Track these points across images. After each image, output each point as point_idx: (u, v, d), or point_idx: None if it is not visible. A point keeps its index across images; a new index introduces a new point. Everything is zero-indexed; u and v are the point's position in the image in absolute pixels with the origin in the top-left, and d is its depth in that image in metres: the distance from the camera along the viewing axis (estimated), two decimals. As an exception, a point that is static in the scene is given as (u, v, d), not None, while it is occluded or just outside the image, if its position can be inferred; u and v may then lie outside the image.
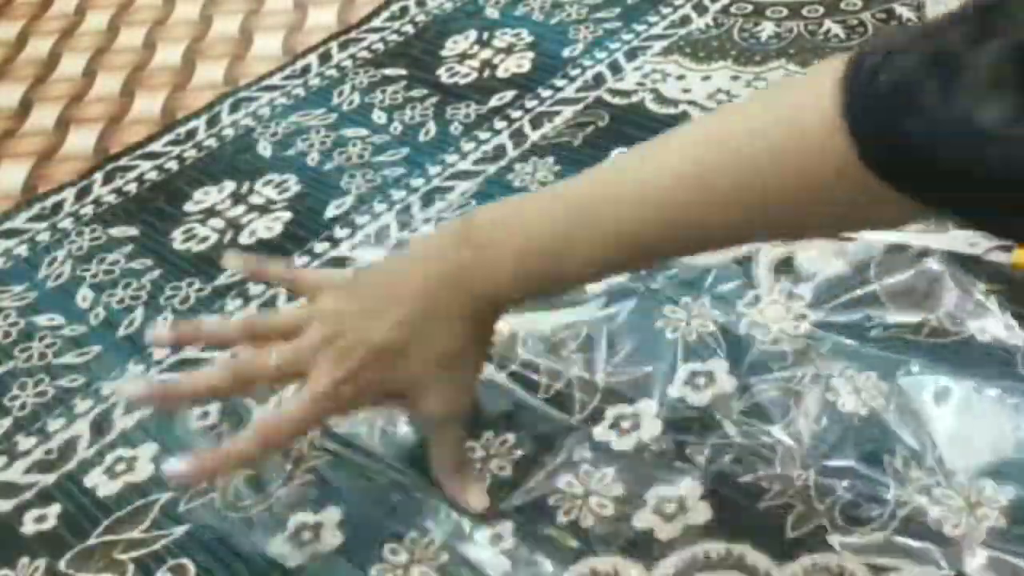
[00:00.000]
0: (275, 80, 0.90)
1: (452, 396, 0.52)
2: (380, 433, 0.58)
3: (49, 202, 0.81)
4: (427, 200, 0.74)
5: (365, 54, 0.91)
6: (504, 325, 0.62)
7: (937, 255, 0.61)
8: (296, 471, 0.57)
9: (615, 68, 0.83)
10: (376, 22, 0.96)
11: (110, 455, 0.60)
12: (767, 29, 0.85)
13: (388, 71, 0.88)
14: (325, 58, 0.92)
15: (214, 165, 0.81)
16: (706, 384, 0.57)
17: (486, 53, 0.88)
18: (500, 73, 0.86)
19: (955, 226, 0.61)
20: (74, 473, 0.59)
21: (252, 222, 0.75)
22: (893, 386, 0.55)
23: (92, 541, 0.55)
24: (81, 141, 0.88)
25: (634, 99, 0.80)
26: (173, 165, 0.82)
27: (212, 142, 0.84)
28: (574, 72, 0.84)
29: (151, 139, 0.86)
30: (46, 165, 0.86)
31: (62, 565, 0.54)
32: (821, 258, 0.63)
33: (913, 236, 0.62)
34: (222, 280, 0.70)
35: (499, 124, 0.80)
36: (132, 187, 0.81)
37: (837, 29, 0.83)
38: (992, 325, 0.57)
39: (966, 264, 0.60)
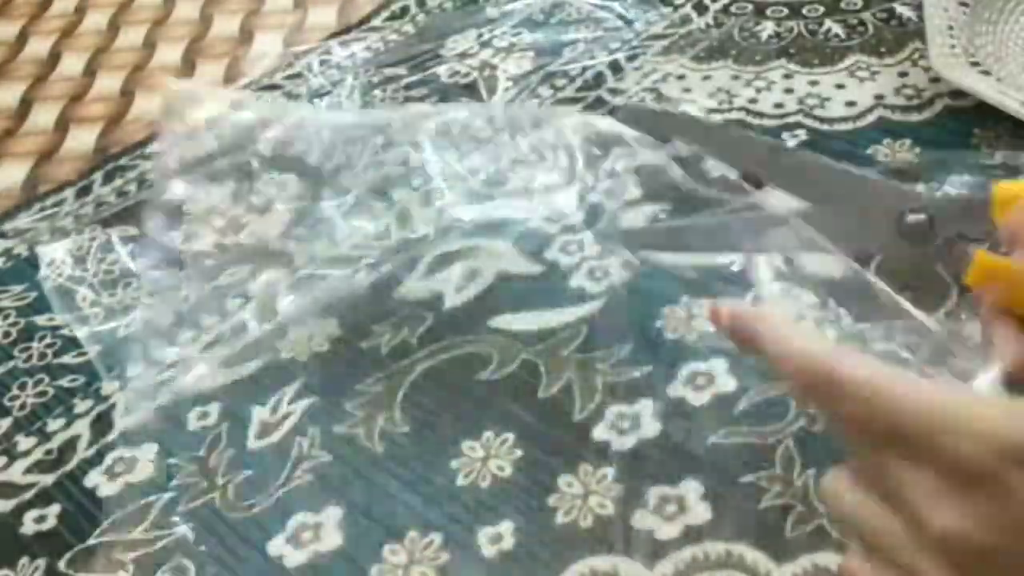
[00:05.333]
0: (275, 80, 0.90)
1: None
2: (380, 433, 0.58)
3: (49, 202, 0.81)
4: (427, 200, 0.74)
5: (365, 54, 0.91)
6: (503, 323, 0.63)
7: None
8: (296, 471, 0.57)
9: (615, 68, 0.83)
10: (376, 22, 0.96)
11: (110, 455, 0.60)
12: (767, 29, 0.85)
13: (388, 71, 0.88)
14: (325, 58, 0.92)
15: (214, 165, 0.81)
16: (706, 384, 0.57)
17: (486, 53, 0.88)
18: (500, 73, 0.86)
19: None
20: (74, 473, 0.59)
21: (252, 222, 0.75)
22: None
23: (92, 541, 0.55)
24: (81, 140, 0.88)
25: (634, 99, 0.79)
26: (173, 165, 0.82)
27: (213, 142, 0.84)
28: (574, 72, 0.84)
29: (151, 138, 0.86)
30: (46, 164, 0.86)
31: (62, 565, 0.54)
32: (822, 259, 0.63)
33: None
34: (222, 280, 0.70)
35: (499, 123, 0.80)
36: (132, 187, 0.81)
37: (837, 29, 0.83)
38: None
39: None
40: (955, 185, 0.59)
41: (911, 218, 0.49)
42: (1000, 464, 0.30)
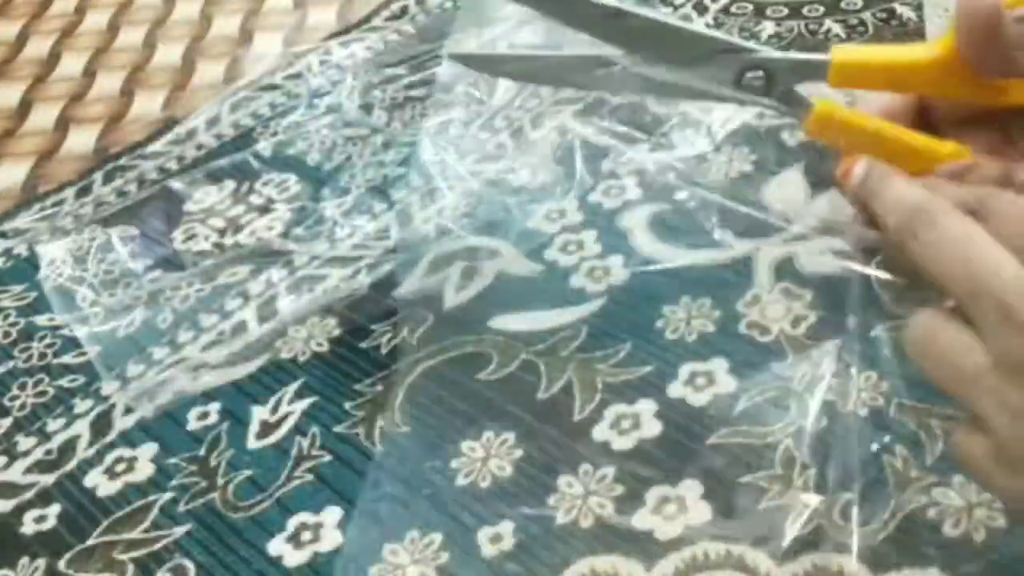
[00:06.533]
0: (275, 80, 0.90)
1: None
2: (380, 433, 0.58)
3: (49, 201, 0.81)
4: (427, 200, 0.74)
5: (365, 54, 0.91)
6: (503, 323, 0.63)
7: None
8: (296, 471, 0.57)
9: (615, 68, 0.83)
10: (376, 22, 0.96)
11: (110, 455, 0.60)
12: (767, 29, 0.85)
13: (388, 71, 0.88)
14: (325, 58, 0.92)
15: (214, 165, 0.81)
16: (706, 384, 0.57)
17: (486, 53, 0.88)
18: (500, 73, 0.86)
19: None
20: (74, 473, 0.59)
21: (252, 222, 0.75)
22: (892, 386, 0.55)
23: (92, 541, 0.55)
24: (81, 140, 0.88)
25: (634, 98, 0.79)
26: (173, 165, 0.82)
27: (212, 142, 0.84)
28: (574, 72, 0.84)
29: (151, 138, 0.86)
30: (46, 164, 0.86)
31: (62, 565, 0.54)
32: (821, 257, 0.63)
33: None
34: (222, 280, 0.70)
35: (499, 123, 0.80)
36: (132, 187, 0.81)
37: (837, 29, 0.83)
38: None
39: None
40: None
41: (749, 75, 0.49)
42: None
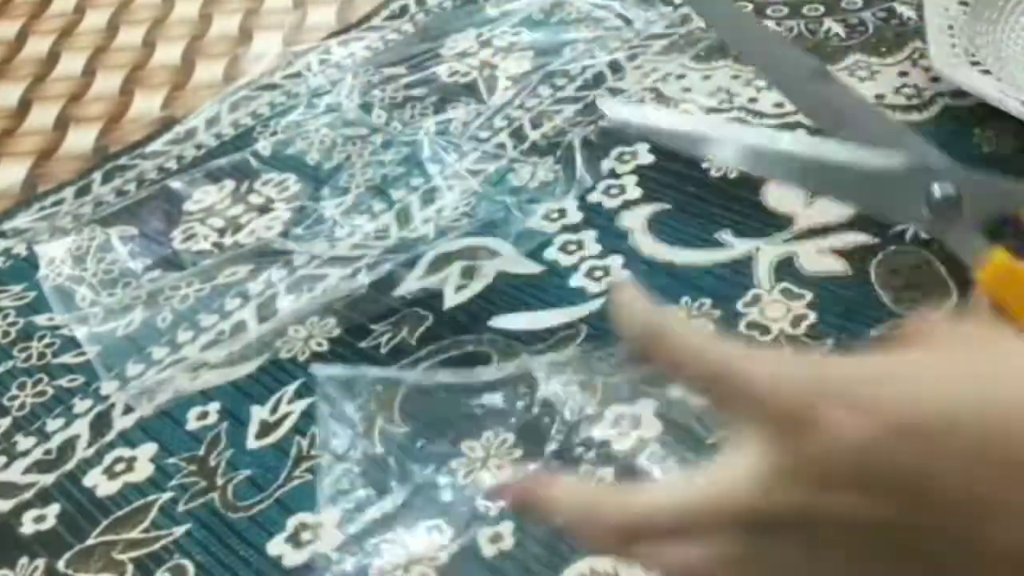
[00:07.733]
0: (275, 79, 0.90)
1: None
2: (380, 433, 0.58)
3: (48, 201, 0.81)
4: (427, 200, 0.74)
5: (365, 53, 0.91)
6: (503, 323, 0.62)
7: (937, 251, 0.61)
8: (296, 471, 0.56)
9: (615, 67, 0.83)
10: (376, 21, 0.96)
11: (109, 455, 0.60)
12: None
13: (388, 71, 0.88)
14: (325, 57, 0.92)
15: (214, 164, 0.81)
16: (706, 384, 0.57)
17: (486, 52, 0.88)
18: (499, 72, 0.86)
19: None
20: (73, 473, 0.59)
21: (252, 222, 0.75)
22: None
23: (91, 541, 0.55)
24: (80, 140, 0.88)
25: (634, 98, 0.79)
26: (172, 164, 0.82)
27: (212, 141, 0.84)
28: (574, 71, 0.84)
29: (150, 138, 0.86)
30: (45, 164, 0.86)
31: (61, 565, 0.54)
32: (821, 257, 0.63)
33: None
34: (221, 280, 0.70)
35: (499, 123, 0.80)
36: (132, 187, 0.81)
37: (837, 28, 0.83)
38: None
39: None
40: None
41: (937, 187, 0.47)
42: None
